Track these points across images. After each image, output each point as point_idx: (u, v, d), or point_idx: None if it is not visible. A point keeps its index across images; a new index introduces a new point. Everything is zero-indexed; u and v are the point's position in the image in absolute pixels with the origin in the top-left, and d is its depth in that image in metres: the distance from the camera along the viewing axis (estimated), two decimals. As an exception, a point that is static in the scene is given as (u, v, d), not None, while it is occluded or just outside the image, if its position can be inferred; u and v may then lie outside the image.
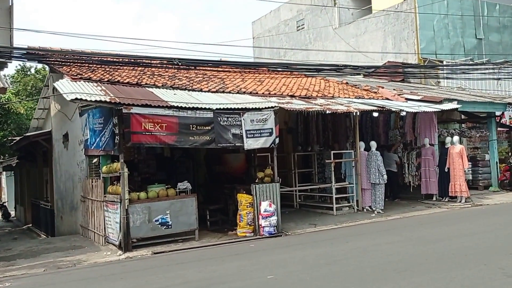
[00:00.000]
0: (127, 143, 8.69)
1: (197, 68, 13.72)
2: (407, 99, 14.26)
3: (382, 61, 20.60)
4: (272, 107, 10.18)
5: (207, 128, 9.32)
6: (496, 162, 15.72)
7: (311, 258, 7.39)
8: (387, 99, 14.14)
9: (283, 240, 9.17)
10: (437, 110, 13.12)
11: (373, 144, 12.43)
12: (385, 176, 12.08)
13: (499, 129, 19.87)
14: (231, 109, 9.68)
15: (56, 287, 6.51)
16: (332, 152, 12.34)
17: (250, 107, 9.92)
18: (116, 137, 8.89)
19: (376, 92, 14.95)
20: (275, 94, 12.24)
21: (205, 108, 9.38)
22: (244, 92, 11.80)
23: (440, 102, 13.84)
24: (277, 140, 10.19)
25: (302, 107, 10.86)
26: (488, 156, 16.08)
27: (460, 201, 13.01)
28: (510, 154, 17.40)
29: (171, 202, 9.38)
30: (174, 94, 10.39)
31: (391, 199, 14.19)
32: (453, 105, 13.57)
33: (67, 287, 6.54)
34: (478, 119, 16.96)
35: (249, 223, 9.84)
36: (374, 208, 12.17)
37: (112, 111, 8.94)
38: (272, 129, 10.10)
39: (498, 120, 16.43)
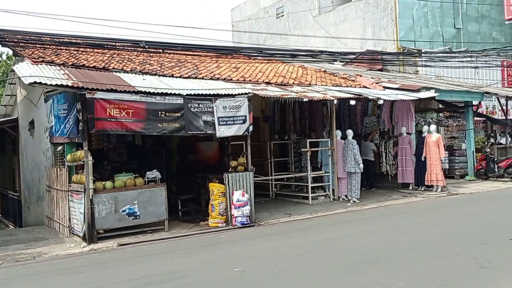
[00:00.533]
0: (91, 130, 8.25)
1: (170, 53, 13.25)
2: (385, 88, 14.07)
3: (361, 49, 20.40)
4: (245, 93, 9.84)
5: (176, 114, 8.93)
6: (473, 152, 15.71)
7: (282, 249, 7.14)
8: (365, 87, 13.92)
9: (256, 231, 8.90)
10: (415, 98, 12.96)
11: (350, 132, 12.22)
12: (361, 165, 11.89)
13: (476, 118, 19.96)
14: (202, 95, 9.31)
15: (7, 282, 6.11)
16: (308, 140, 12.09)
17: (223, 93, 9.56)
18: (80, 123, 8.43)
19: (354, 80, 14.72)
20: (250, 80, 11.88)
21: (174, 94, 8.99)
22: (218, 78, 11.41)
23: (418, 91, 13.68)
24: (251, 128, 9.87)
25: (277, 94, 10.54)
26: (464, 145, 16.06)
27: (436, 190, 12.93)
28: (486, 143, 17.42)
29: (139, 192, 8.99)
30: (143, 79, 9.96)
31: (368, 188, 14.07)
32: (430, 94, 13.44)
33: (19, 282, 6.14)
34: (456, 108, 16.92)
35: (221, 213, 9.54)
36: (350, 197, 11.99)
37: (75, 96, 8.48)
38: (245, 116, 9.77)
39: (475, 110, 16.38)
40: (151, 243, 8.24)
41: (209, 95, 9.38)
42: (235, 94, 9.69)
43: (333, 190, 12.28)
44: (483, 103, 22.03)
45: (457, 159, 15.85)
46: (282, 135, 14.39)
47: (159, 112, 8.74)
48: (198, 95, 9.26)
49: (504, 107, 17.76)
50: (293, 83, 12.57)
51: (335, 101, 12.44)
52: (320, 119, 13.16)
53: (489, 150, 15.29)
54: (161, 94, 8.84)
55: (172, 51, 12.70)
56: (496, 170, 14.85)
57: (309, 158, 11.99)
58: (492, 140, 21.91)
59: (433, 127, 13.36)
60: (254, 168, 10.16)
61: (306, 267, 6.03)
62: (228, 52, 13.64)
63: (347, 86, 13.51)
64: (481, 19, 23.13)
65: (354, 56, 19.20)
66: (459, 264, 5.78)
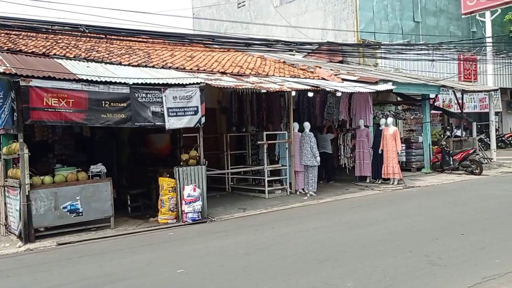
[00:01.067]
0: (26, 121, 7.59)
1: (123, 39, 12.60)
2: (344, 80, 13.93)
3: (322, 41, 20.24)
4: (197, 83, 9.37)
5: (122, 105, 8.37)
6: (429, 144, 15.84)
7: (231, 247, 6.78)
8: (323, 79, 13.73)
9: (207, 227, 8.51)
10: (372, 91, 12.84)
11: (307, 125, 11.97)
12: (318, 158, 11.68)
13: (433, 111, 20.25)
14: (150, 84, 8.78)
15: None
16: (265, 133, 11.76)
17: (173, 83, 9.06)
18: (15, 113, 7.77)
19: (312, 72, 14.51)
20: (204, 70, 11.42)
21: (120, 83, 8.41)
22: (170, 67, 10.89)
23: (376, 83, 13.59)
24: (203, 120, 9.42)
25: (232, 84, 10.13)
26: (421, 138, 16.17)
27: (392, 183, 12.92)
28: (442, 136, 17.65)
29: (82, 187, 8.42)
30: (87, 66, 9.32)
31: (326, 181, 13.93)
32: (388, 86, 13.37)
33: None
34: (413, 101, 17.00)
35: (172, 209, 9.08)
36: (307, 191, 11.78)
37: (9, 84, 7.79)
38: (197, 107, 9.31)
39: (432, 103, 16.52)
40: (94, 242, 7.72)
41: (158, 84, 8.87)
42: (186, 84, 9.22)
43: (290, 183, 12.05)
44: (440, 96, 22.43)
45: (414, 152, 15.94)
46: (239, 127, 14.02)
47: (103, 102, 8.16)
48: (146, 84, 8.74)
49: (460, 101, 17.98)
50: (250, 73, 12.20)
51: (294, 93, 12.17)
52: (278, 111, 12.86)
53: (444, 143, 15.45)
54: (105, 82, 8.25)
55: (118, 37, 12.03)
56: (451, 163, 15.01)
57: (265, 151, 11.68)
58: (448, 133, 22.38)
59: (390, 120, 13.31)
60: (206, 162, 9.75)
61: (253, 266, 5.71)
62: (179, 39, 13.03)
63: (305, 78, 13.27)
64: (439, 13, 23.45)
65: (313, 47, 19.07)
66: (411, 261, 5.60)
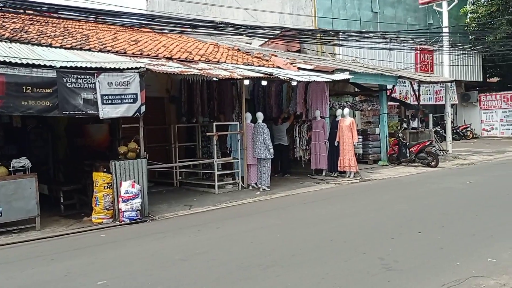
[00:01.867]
0: None
1: (64, 18, 11.48)
2: (300, 69, 13.34)
3: (275, 25, 19.58)
4: (136, 68, 8.46)
5: (47, 91, 7.39)
6: (386, 136, 15.54)
7: (167, 251, 6.01)
8: (278, 67, 13.08)
9: (145, 228, 7.68)
10: (328, 80, 12.30)
11: (260, 115, 11.28)
12: (272, 151, 11.03)
13: (390, 103, 20.06)
14: (81, 68, 7.82)
15: None
16: (215, 124, 10.98)
17: (108, 67, 8.12)
18: None
19: (268, 60, 13.84)
20: (148, 55, 10.51)
21: (45, 66, 7.42)
22: (109, 51, 9.92)
23: (332, 72, 13.08)
24: (143, 108, 8.54)
25: (177, 70, 9.27)
26: (378, 130, 15.85)
27: (348, 176, 12.47)
28: (399, 128, 17.42)
29: (1, 184, 7.40)
30: (10, 47, 8.24)
31: (281, 175, 13.35)
32: (344, 76, 12.88)
33: None
34: (371, 92, 16.66)
35: (107, 207, 8.19)
36: (259, 185, 11.12)
37: None
38: (136, 94, 8.41)
39: (389, 94, 16.21)
40: (12, 247, 6.75)
41: (91, 68, 7.92)
42: (124, 69, 8.29)
43: (242, 177, 11.36)
44: (397, 88, 22.30)
45: (371, 144, 15.60)
46: (190, 118, 13.17)
47: (24, 87, 7.16)
48: (76, 68, 7.76)
49: (416, 92, 17.79)
50: (199, 59, 11.37)
51: (247, 82, 11.45)
52: (230, 100, 12.11)
53: (401, 135, 15.17)
54: (28, 65, 7.25)
55: (49, 15, 10.85)
56: (408, 155, 14.76)
57: (215, 143, 10.93)
58: (405, 125, 22.29)
59: (346, 110, 12.83)
60: (147, 155, 8.89)
61: (187, 275, 4.97)
62: (110, 17, 11.90)
63: (259, 66, 12.57)
64: (397, 4, 23.28)
65: (265, 31, 18.37)
66: (364, 265, 5.01)
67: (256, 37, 14.10)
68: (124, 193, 8.11)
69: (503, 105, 25.45)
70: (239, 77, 10.21)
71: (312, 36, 18.66)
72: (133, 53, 10.26)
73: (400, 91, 23.05)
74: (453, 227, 6.58)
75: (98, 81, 7.94)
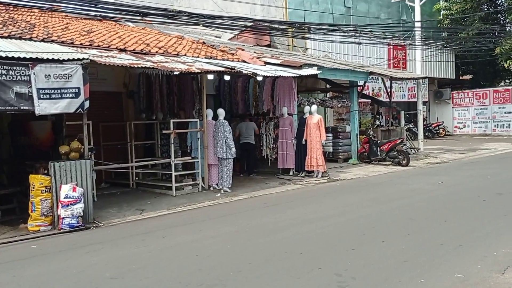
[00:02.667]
0: None
1: (6, 8, 10.53)
2: (267, 63, 12.70)
3: (239, 15, 18.90)
4: (79, 59, 7.66)
5: (-29, 83, 6.55)
6: (357, 134, 15.06)
7: (99, 266, 5.28)
8: (244, 61, 12.41)
9: (85, 236, 6.92)
10: (295, 75, 11.69)
11: (221, 112, 10.58)
12: (233, 150, 10.35)
13: (362, 100, 19.65)
14: (13, 58, 6.97)
15: None
16: (172, 121, 10.23)
17: (45, 58, 7.31)
18: None
19: (233, 54, 13.14)
20: (99, 46, 9.69)
21: (-31, 55, 6.58)
22: (53, 41, 9.07)
23: (300, 67, 12.48)
24: (87, 104, 7.74)
25: (126, 62, 8.49)
26: (349, 128, 15.36)
27: (316, 176, 11.91)
28: (370, 126, 16.98)
29: None
30: None
31: (247, 174, 12.72)
32: (313, 71, 12.28)
33: None
34: (342, 88, 16.15)
35: (45, 213, 7.39)
36: (221, 187, 10.44)
37: None
38: (79, 88, 7.61)
39: (360, 91, 15.73)
40: None
41: (25, 59, 7.08)
42: (64, 60, 7.49)
43: (203, 178, 10.67)
44: (370, 84, 21.99)
45: (341, 142, 15.10)
46: (150, 114, 12.37)
47: None
48: (7, 58, 6.92)
49: (388, 89, 17.37)
50: (157, 52, 10.60)
51: (211, 76, 10.75)
52: (190, 96, 11.38)
53: (372, 132, 14.70)
54: None
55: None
56: (379, 153, 14.30)
57: (172, 141, 10.19)
58: (378, 122, 21.93)
59: (314, 107, 12.26)
60: (93, 155, 8.14)
61: (113, 299, 4.26)
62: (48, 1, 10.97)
63: (223, 60, 11.87)
64: (370, -1, 22.89)
65: (224, 22, 17.75)
66: (317, 283, 4.40)
67: (215, 27, 13.32)
68: (64, 198, 7.32)
69: (475, 103, 25.39)
70: (197, 70, 9.49)
71: (282, 30, 18.10)
72: (81, 44, 9.43)
73: (373, 87, 22.72)
74: (420, 234, 6.04)
75: (34, 73, 7.11)
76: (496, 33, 23.55)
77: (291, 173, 12.50)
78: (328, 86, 17.38)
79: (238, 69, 10.29)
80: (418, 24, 18.49)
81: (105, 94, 12.15)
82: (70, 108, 7.55)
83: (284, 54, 15.92)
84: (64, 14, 13.31)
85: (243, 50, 14.05)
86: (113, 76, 12.17)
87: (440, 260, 4.99)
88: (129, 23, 15.82)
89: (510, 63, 22.56)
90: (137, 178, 11.42)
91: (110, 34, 11.19)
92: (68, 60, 7.54)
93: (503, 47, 21.95)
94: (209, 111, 10.66)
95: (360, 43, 17.27)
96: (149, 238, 6.51)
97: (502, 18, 25.39)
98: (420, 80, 17.38)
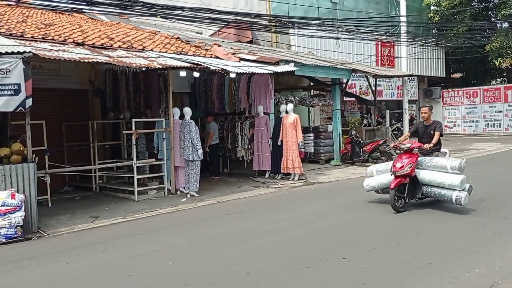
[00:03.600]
0: None
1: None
2: (242, 59, 12.02)
3: (210, 7, 18.20)
4: (19, 52, 6.95)
5: None
6: (339, 134, 14.43)
7: (14, 289, 4.60)
8: (217, 57, 11.74)
9: (19, 249, 6.22)
10: (269, 71, 11.02)
11: (187, 111, 9.87)
12: (200, 152, 9.65)
13: (347, 98, 19.05)
14: None
15: None
16: (134, 120, 9.52)
17: (-22, 51, 6.61)
18: None
19: (207, 50, 12.45)
20: (53, 39, 9.00)
21: None
22: (0, 34, 8.35)
23: (277, 64, 11.80)
24: (29, 102, 7.05)
25: (77, 56, 7.77)
26: (331, 127, 14.72)
27: (293, 179, 11.26)
28: (353, 125, 16.36)
29: None
30: None
31: (223, 176, 12.10)
32: (289, 67, 11.60)
33: None
34: (324, 86, 15.50)
35: (-20, 222, 6.69)
36: (187, 191, 9.76)
37: None
38: (19, 85, 6.91)
39: (343, 88, 15.06)
40: None
41: (-46, 52, 6.39)
42: (1, 53, 6.78)
43: (170, 181, 10.00)
44: (357, 82, 21.37)
45: (323, 142, 14.45)
46: (117, 113, 11.68)
47: None
48: None
49: (373, 87, 16.72)
50: (120, 46, 9.90)
51: (184, 73, 10.08)
52: (157, 94, 10.67)
53: (354, 132, 14.05)
54: None
55: None
56: (361, 154, 13.67)
57: (134, 142, 9.49)
58: (365, 122, 21.31)
59: (290, 106, 11.59)
60: (36, 158, 7.42)
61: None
62: None
63: (194, 55, 11.20)
64: (358, -6, 22.23)
65: (186, 13, 17.12)
66: (255, 314, 3.74)
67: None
68: (1, 206, 6.62)
69: (465, 102, 24.83)
70: (158, 66, 8.80)
71: (264, 25, 17.44)
72: (33, 37, 8.73)
73: (360, 86, 22.08)
74: (386, 249, 5.39)
75: (-35, 68, 6.41)
76: (487, 30, 22.99)
77: (267, 176, 11.86)
78: (312, 84, 16.76)
79: (206, 65, 9.59)
80: (404, 19, 17.84)
81: (68, 92, 11.46)
82: (9, 106, 6.86)
83: (264, 51, 15.26)
84: (32, 7, 12.62)
85: (219, 46, 13.35)
86: (77, 73, 11.47)
87: (405, 282, 4.35)
88: (103, 17, 15.16)
89: (501, 60, 22.00)
90: (100, 181, 10.71)
91: (72, 28, 10.49)
92: (6, 53, 6.83)
93: (494, 44, 21.38)
94: (175, 110, 9.96)
95: (338, 39, 16.59)
96: (86, 252, 5.83)
97: (493, 15, 24.79)
98: (406, 78, 16.77)
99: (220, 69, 9.79)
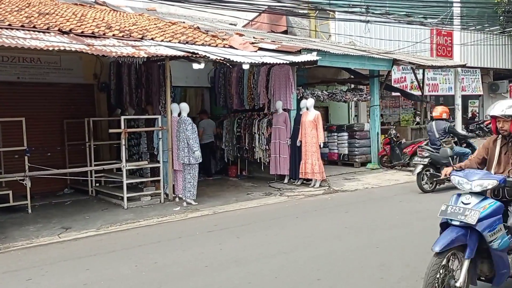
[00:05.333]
0: None
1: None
2: (261, 49, 10.66)
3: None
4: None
5: None
6: (377, 133, 12.67)
7: None
8: (231, 47, 10.46)
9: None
10: (285, 62, 9.56)
11: (184, 107, 8.63)
12: (197, 153, 8.36)
13: (396, 94, 17.15)
14: None
15: None
16: (123, 117, 8.44)
17: None
18: None
19: (224, 39, 11.23)
20: (34, 27, 8.09)
21: None
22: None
23: (298, 53, 10.31)
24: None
25: (42, 44, 6.77)
26: (368, 126, 12.96)
27: (313, 185, 9.76)
28: (394, 123, 14.46)
29: None
30: None
31: (239, 179, 10.88)
32: (311, 57, 10.06)
33: None
34: (360, 79, 13.79)
35: None
36: (184, 198, 8.57)
37: None
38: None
39: (384, 81, 13.20)
40: None
41: None
42: None
43: (172, 186, 8.88)
44: (407, 76, 19.21)
45: (358, 142, 12.73)
46: (123, 110, 10.72)
47: None
48: None
49: (420, 80, 14.68)
50: (114, 35, 8.88)
51: (197, 66, 8.86)
52: (157, 88, 9.55)
53: (394, 132, 12.20)
54: None
55: None
56: (402, 157, 11.83)
57: (124, 142, 8.41)
58: (418, 119, 19.15)
59: (310, 101, 10.07)
60: (26, 158, 6.53)
61: None
62: None
63: (203, 44, 10.00)
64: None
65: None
66: None
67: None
68: None
69: (538, 97, 21.75)
70: (145, 55, 7.65)
71: (301, 14, 15.98)
72: (10, 25, 7.87)
73: (412, 79, 19.88)
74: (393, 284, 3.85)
75: None
76: None
77: (285, 181, 10.43)
78: (352, 77, 15.04)
79: (205, 54, 8.32)
80: (457, 4, 15.53)
81: (71, 87, 10.68)
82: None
83: (295, 40, 13.72)
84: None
85: (241, 35, 12.09)
86: (80, 66, 10.65)
87: None
88: (128, 9, 14.40)
89: None
90: (97, 185, 9.80)
91: (70, 16, 9.63)
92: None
93: None
94: (174, 106, 8.80)
95: (368, 22, 14.63)
96: (8, 279, 4.77)
97: None
98: (460, 70, 14.57)
99: (222, 58, 8.48)
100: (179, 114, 8.76)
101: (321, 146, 9.87)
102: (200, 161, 8.54)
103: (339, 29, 16.99)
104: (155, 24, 11.39)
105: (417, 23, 15.79)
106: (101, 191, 9.53)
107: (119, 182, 9.48)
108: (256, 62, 9.11)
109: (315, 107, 14.78)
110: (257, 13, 16.93)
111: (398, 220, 6.59)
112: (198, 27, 12.44)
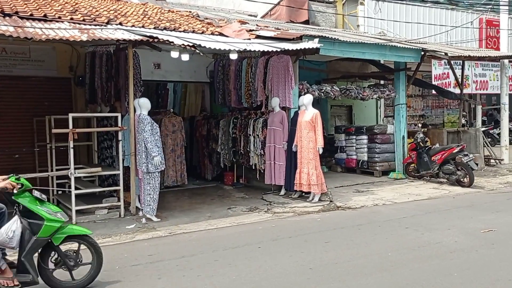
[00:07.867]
0: None
1: None
2: (258, 37, 9.08)
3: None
4: None
5: None
6: (403, 137, 10.70)
7: None
8: (221, 34, 8.96)
9: None
10: (277, 49, 7.90)
11: (143, 103, 7.11)
12: (156, 159, 6.85)
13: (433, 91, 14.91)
14: None
15: None
16: (71, 115, 7.07)
17: None
18: None
19: (219, 27, 9.77)
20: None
21: None
22: None
23: (298, 40, 8.61)
24: None
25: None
26: (391, 128, 10.97)
27: (311, 200, 8.02)
28: (421, 126, 12.37)
29: None
30: None
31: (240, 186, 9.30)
32: (312, 44, 8.31)
33: None
34: (382, 73, 11.82)
35: None
36: (145, 213, 7.10)
37: None
38: None
39: (413, 75, 11.18)
40: None
41: None
42: None
43: (138, 196, 7.47)
44: (450, 71, 16.88)
45: (379, 147, 10.77)
46: (100, 106, 9.43)
47: None
48: None
49: (459, 75, 12.48)
50: (72, 18, 7.56)
51: (174, 54, 7.43)
52: (124, 81, 8.13)
53: (421, 135, 10.14)
54: None
55: None
56: (430, 166, 9.78)
57: (71, 145, 7.04)
58: (464, 121, 16.78)
59: (308, 98, 8.32)
60: None
61: None
62: None
63: (185, 31, 8.56)
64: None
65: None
66: None
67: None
68: None
69: None
70: (86, 39, 6.26)
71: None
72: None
73: (458, 75, 17.47)
74: None
75: None
76: None
77: (282, 192, 8.75)
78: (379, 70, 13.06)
79: (166, 39, 6.81)
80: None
81: (43, 81, 9.52)
82: None
83: (311, 30, 11.95)
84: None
85: (244, 23, 10.56)
86: (53, 58, 9.49)
87: None
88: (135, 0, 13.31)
89: None
90: (60, 192, 8.52)
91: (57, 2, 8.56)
92: None
93: None
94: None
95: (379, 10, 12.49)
96: None
97: None
98: (507, 63, 12.25)
99: (189, 44, 6.93)
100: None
101: (320, 152, 8.08)
102: (162, 169, 7.05)
103: (368, 20, 15.00)
104: (144, 11, 10.15)
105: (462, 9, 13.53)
106: (61, 202, 8.24)
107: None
108: (236, 49, 7.49)
109: (335, 107, 12.94)
110: (276, 3, 15.37)
111: (388, 259, 4.75)
112: (197, 15, 11.10)
